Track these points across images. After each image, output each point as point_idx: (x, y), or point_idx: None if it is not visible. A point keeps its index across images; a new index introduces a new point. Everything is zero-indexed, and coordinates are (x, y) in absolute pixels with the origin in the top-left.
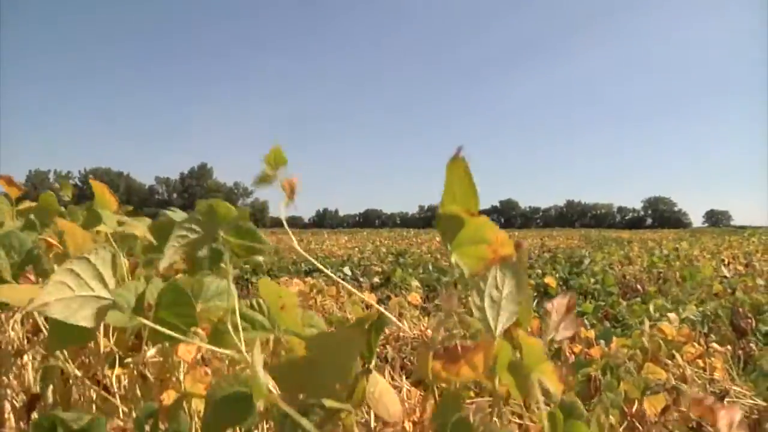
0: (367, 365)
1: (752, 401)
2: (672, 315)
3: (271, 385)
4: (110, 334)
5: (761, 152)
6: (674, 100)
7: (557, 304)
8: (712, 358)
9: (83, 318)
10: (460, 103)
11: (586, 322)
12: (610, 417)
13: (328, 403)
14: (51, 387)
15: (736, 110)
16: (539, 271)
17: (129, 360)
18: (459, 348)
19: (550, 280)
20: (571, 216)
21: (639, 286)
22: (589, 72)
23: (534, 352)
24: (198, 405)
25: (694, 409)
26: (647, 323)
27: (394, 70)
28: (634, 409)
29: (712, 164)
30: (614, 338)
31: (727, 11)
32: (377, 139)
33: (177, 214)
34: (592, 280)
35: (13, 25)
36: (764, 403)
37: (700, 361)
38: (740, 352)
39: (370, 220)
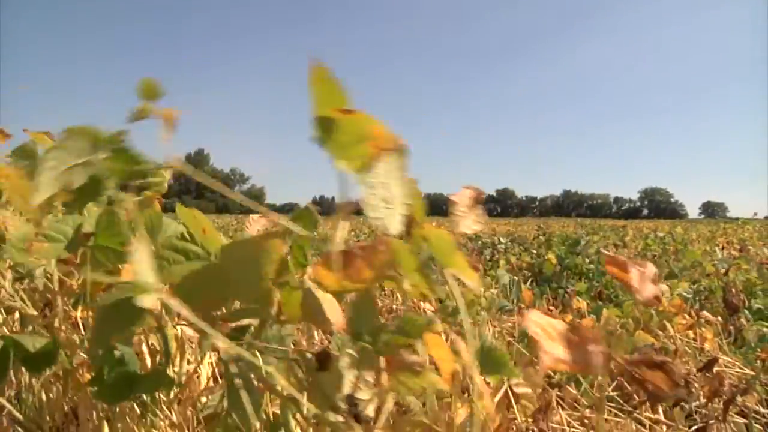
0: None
1: (740, 370)
2: (663, 286)
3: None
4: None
5: (758, 144)
6: (672, 92)
7: (461, 195)
8: (703, 329)
9: None
10: (456, 92)
11: (578, 299)
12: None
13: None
14: None
15: (734, 102)
16: (534, 251)
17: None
18: (356, 249)
19: (550, 256)
20: (568, 206)
21: None
22: (588, 63)
23: (444, 244)
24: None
25: (608, 267)
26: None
27: (391, 60)
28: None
29: (709, 156)
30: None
31: (725, 2)
32: None
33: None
34: (587, 260)
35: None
36: (752, 372)
37: (691, 332)
38: (731, 327)
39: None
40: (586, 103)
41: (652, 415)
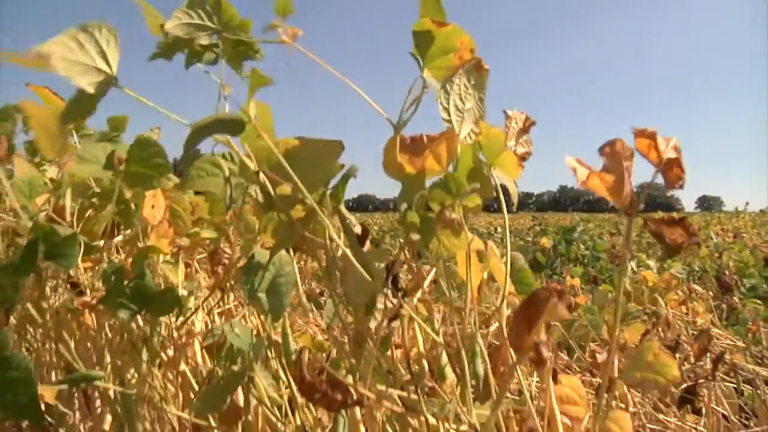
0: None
1: (731, 342)
2: (651, 263)
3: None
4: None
5: (755, 138)
6: (668, 86)
7: (516, 115)
8: (695, 303)
9: (85, 83)
10: None
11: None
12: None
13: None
14: None
15: (731, 96)
16: (530, 239)
17: (96, 244)
18: (424, 138)
19: (544, 241)
20: (565, 201)
21: (627, 252)
22: (583, 57)
23: (495, 142)
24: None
25: (636, 140)
26: (631, 266)
27: (381, 58)
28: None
29: (705, 150)
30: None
31: None
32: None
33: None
34: (583, 246)
35: None
36: (743, 344)
37: (683, 308)
38: (724, 306)
39: (363, 204)
40: (581, 96)
41: None
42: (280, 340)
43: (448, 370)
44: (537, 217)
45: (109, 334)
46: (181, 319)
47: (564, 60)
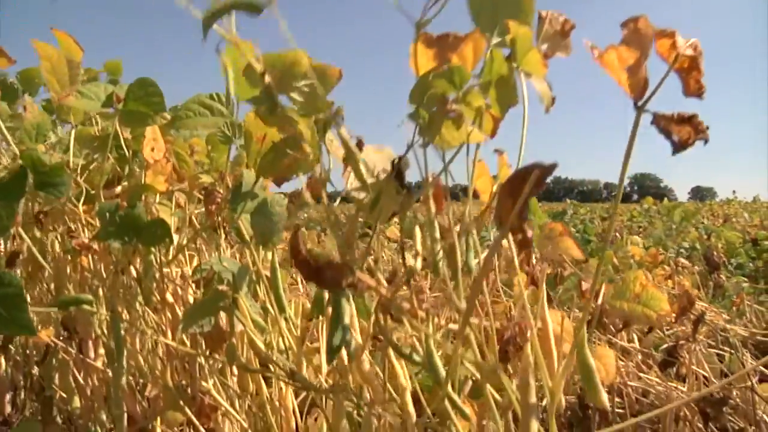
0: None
1: (716, 313)
2: (636, 237)
3: None
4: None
5: (748, 129)
6: (661, 76)
7: (551, 16)
8: (682, 277)
9: None
10: None
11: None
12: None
13: None
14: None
15: (725, 87)
16: None
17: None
18: (451, 36)
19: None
20: (558, 191)
21: (618, 234)
22: (575, 46)
23: (524, 42)
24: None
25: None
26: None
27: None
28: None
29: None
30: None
31: None
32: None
33: None
34: (574, 230)
35: None
36: (728, 317)
37: (669, 282)
38: (711, 283)
39: None
40: (575, 86)
41: (627, 344)
42: (268, 275)
43: (443, 264)
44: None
45: (104, 275)
46: (172, 252)
47: None
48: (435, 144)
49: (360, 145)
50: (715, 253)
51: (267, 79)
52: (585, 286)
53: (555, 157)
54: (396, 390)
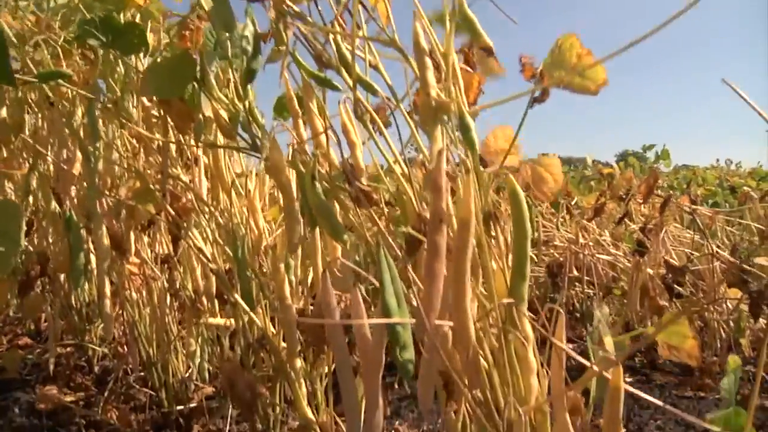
0: None
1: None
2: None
3: None
4: None
5: (737, 108)
6: (648, 53)
7: None
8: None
9: None
10: None
11: None
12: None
13: None
14: None
15: (712, 65)
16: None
17: None
18: None
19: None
20: None
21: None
22: (563, 23)
23: None
24: None
25: None
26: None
27: None
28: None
29: (687, 118)
30: None
31: None
32: None
33: None
34: None
35: None
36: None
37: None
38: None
39: None
40: None
41: (599, 237)
42: None
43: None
44: None
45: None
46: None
47: (544, 23)
48: None
49: None
50: (692, 193)
51: None
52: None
53: (540, 133)
54: None
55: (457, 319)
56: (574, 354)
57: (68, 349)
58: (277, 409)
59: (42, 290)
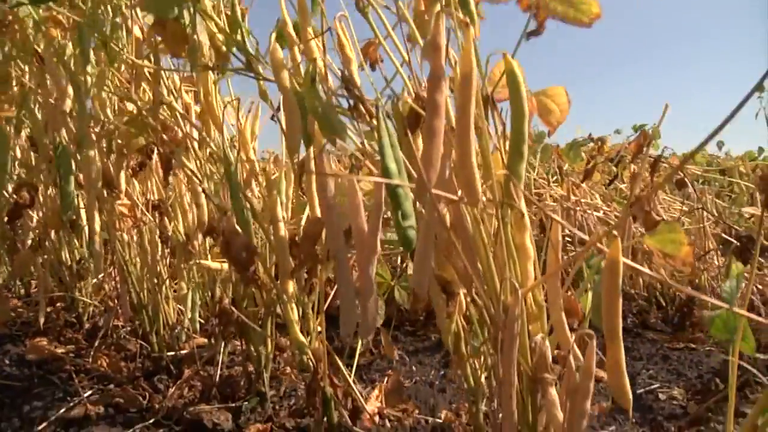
0: None
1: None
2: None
3: None
4: None
5: (733, 100)
6: (651, 38)
7: None
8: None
9: None
10: None
11: None
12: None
13: None
14: None
15: (718, 49)
16: None
17: None
18: None
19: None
20: None
21: None
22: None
23: None
24: None
25: None
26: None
27: None
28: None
29: (688, 104)
30: None
31: None
32: None
33: None
34: None
35: None
36: (687, 209)
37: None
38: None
39: None
40: (562, 52)
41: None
42: None
43: None
44: None
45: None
46: None
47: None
48: None
49: None
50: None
51: None
52: None
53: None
54: None
55: (463, 177)
56: (571, 227)
57: (58, 304)
58: (269, 347)
59: (32, 248)
